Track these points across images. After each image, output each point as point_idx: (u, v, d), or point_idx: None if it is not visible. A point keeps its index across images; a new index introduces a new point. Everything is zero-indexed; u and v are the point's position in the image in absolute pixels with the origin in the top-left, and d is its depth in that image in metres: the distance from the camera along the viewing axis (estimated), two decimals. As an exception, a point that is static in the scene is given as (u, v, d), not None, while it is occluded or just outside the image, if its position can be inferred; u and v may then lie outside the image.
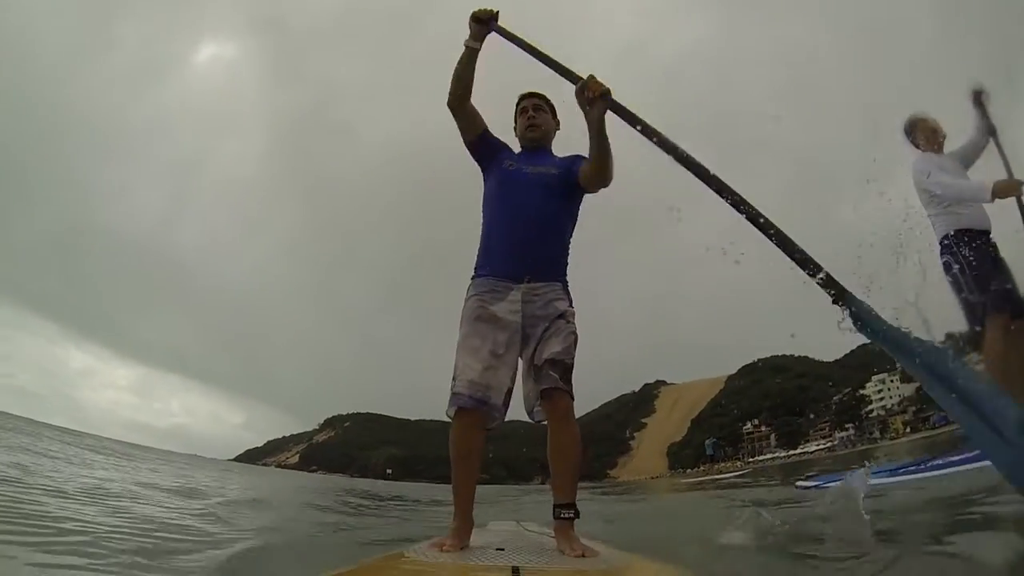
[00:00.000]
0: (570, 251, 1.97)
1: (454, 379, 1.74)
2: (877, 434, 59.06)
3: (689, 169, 1.65)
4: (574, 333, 1.82)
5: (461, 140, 2.02)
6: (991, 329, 2.61)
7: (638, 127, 1.73)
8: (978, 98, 2.99)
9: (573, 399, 1.75)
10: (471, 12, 1.96)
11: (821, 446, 66.49)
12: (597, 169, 1.86)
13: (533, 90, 2.09)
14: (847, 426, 68.20)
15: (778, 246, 1.51)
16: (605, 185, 1.92)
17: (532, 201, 1.88)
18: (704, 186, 1.62)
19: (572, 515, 1.66)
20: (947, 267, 2.78)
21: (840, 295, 1.46)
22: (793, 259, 1.50)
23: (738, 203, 1.58)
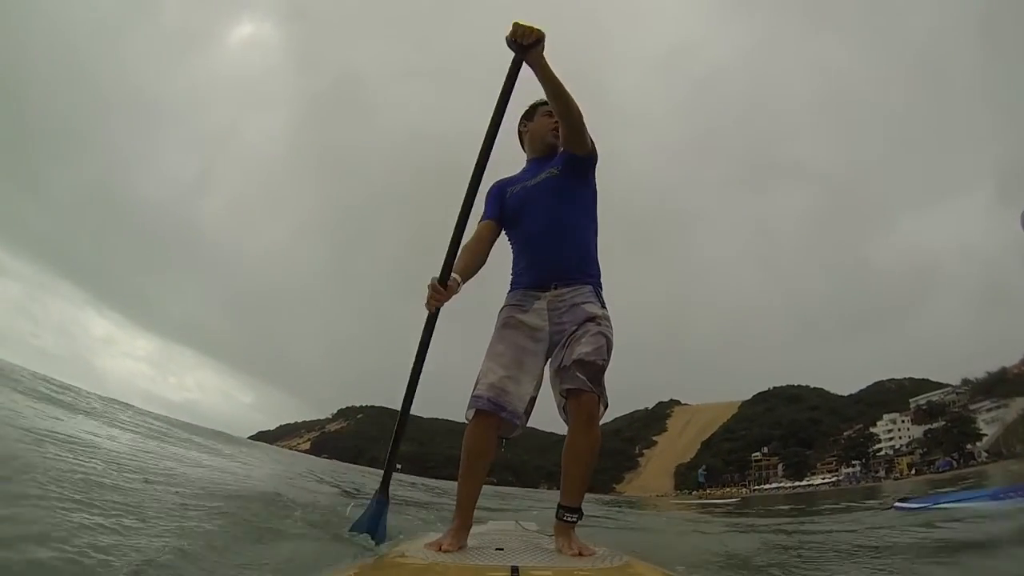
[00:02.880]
0: (598, 252, 1.93)
1: (476, 383, 1.73)
2: (882, 473, 58.98)
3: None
4: (604, 335, 1.73)
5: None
6: None
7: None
8: None
9: (605, 404, 1.68)
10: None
11: (826, 479, 66.32)
12: (559, 114, 1.84)
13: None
14: (854, 462, 67.93)
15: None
16: (577, 130, 1.81)
17: (541, 208, 1.89)
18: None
19: (575, 518, 1.63)
20: None
21: None
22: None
23: None
